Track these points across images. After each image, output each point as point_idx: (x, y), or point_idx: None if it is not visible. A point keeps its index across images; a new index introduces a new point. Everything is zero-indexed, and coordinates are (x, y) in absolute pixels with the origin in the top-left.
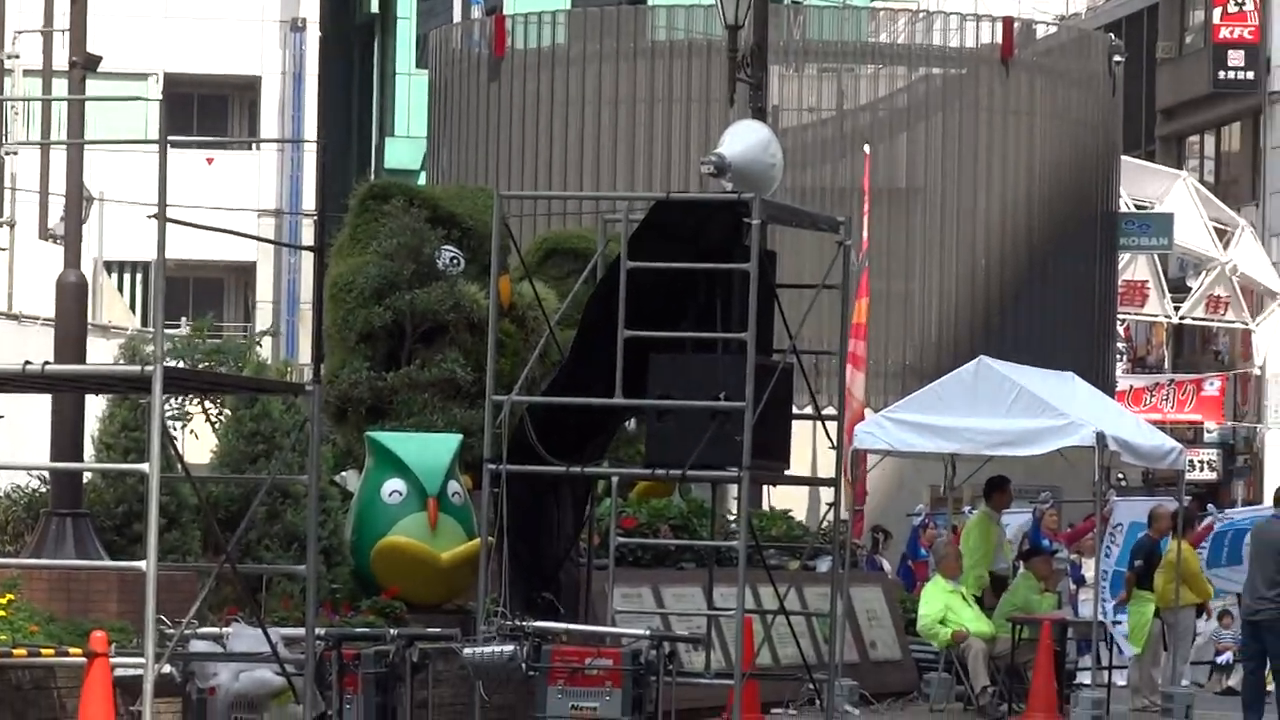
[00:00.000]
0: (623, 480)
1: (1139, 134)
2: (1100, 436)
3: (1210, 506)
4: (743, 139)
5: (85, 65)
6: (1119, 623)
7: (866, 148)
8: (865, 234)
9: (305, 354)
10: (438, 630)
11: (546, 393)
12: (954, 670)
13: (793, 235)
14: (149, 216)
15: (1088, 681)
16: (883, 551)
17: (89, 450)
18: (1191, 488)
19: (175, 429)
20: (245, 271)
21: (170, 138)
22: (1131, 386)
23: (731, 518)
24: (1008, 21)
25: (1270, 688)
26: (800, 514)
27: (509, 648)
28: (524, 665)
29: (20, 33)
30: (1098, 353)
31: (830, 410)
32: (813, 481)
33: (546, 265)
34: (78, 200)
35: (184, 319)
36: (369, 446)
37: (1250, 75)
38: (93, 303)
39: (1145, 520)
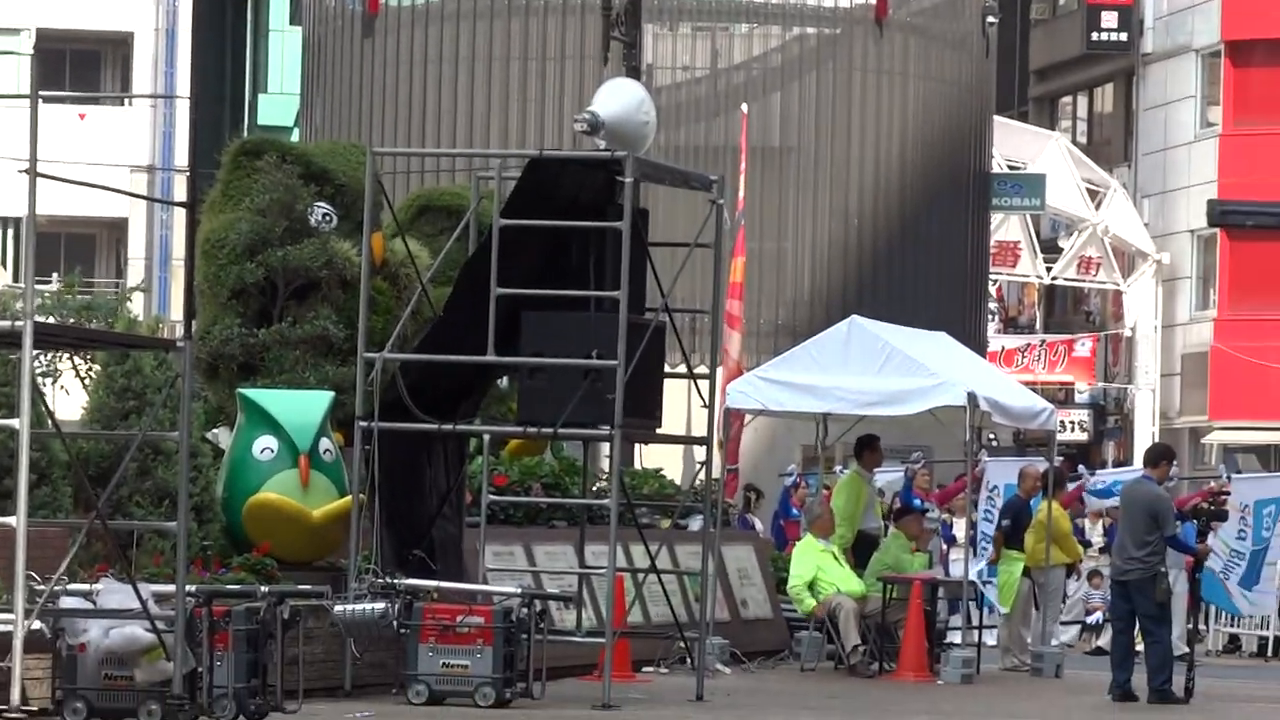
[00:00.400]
0: (494, 438)
1: (1012, 95)
2: (972, 396)
3: (1081, 467)
4: (616, 97)
5: None
6: (990, 582)
7: (744, 107)
8: (741, 193)
9: (177, 310)
10: (309, 587)
11: (419, 350)
12: (825, 629)
13: (666, 194)
14: (20, 171)
15: (958, 641)
16: (755, 510)
17: None
18: (1063, 448)
19: (45, 385)
20: (117, 227)
21: (42, 92)
22: (1003, 347)
23: (603, 476)
24: None
25: (1139, 647)
26: (674, 473)
27: (380, 605)
28: (395, 623)
29: None
30: (969, 313)
31: (703, 369)
32: (685, 440)
33: (419, 222)
34: None
35: (55, 275)
36: (240, 403)
37: (1123, 37)
38: None
39: (1013, 480)
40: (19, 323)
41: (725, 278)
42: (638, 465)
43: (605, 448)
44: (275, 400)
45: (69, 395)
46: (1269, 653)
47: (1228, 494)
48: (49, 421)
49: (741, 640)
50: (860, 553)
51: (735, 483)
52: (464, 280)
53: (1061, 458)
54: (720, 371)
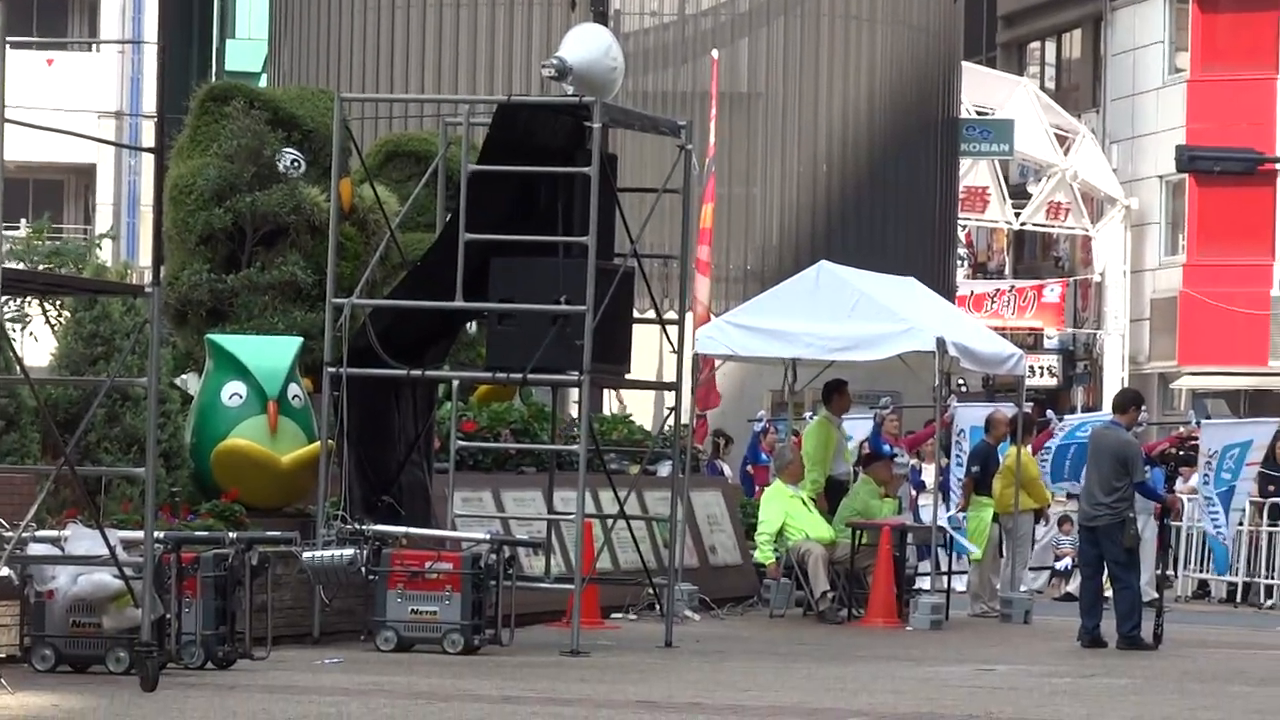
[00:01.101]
0: (463, 384)
1: (980, 40)
2: (940, 342)
3: (1050, 412)
4: (584, 43)
5: None
6: (959, 528)
7: (715, 53)
8: (712, 140)
9: (145, 256)
10: (277, 534)
11: (390, 297)
12: (794, 575)
13: (635, 140)
14: None
15: (927, 587)
16: (724, 456)
17: None
18: (1032, 393)
19: (14, 331)
20: (85, 173)
21: (9, 38)
22: (972, 292)
23: (574, 423)
24: None
25: (1108, 593)
26: (645, 419)
27: (349, 551)
28: (363, 569)
29: None
30: (938, 258)
31: (672, 315)
32: (654, 386)
33: (388, 168)
34: None
35: (23, 221)
36: (209, 349)
37: None
38: None
39: (981, 424)
40: None
41: (694, 223)
42: (607, 411)
43: (574, 393)
44: (244, 346)
45: (37, 342)
46: (1238, 598)
47: (1196, 439)
48: (17, 368)
49: (710, 587)
50: (829, 498)
51: (704, 428)
52: (445, 231)
53: (1030, 403)
54: (689, 317)
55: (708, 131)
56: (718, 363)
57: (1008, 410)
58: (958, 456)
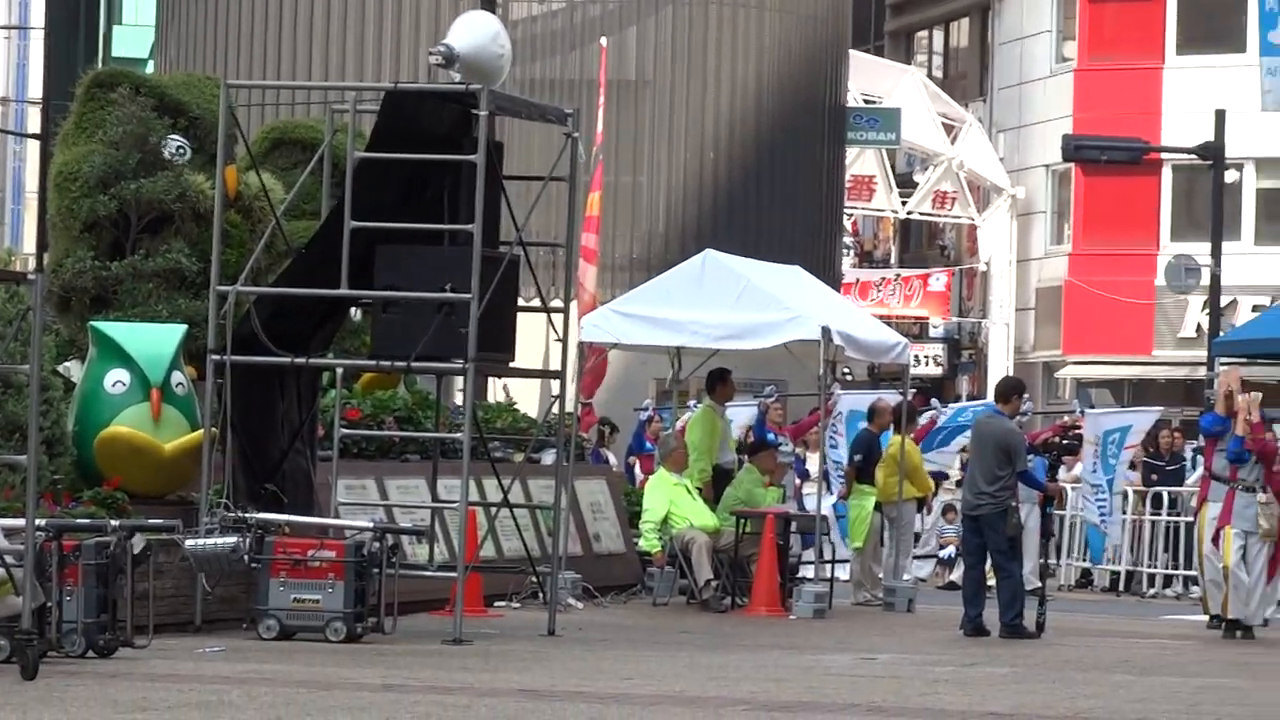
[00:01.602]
0: (348, 372)
1: (868, 28)
2: (825, 331)
3: (934, 401)
4: (471, 30)
5: None
6: (843, 516)
7: (603, 40)
8: (599, 127)
9: (29, 243)
10: (159, 521)
11: (275, 285)
12: (678, 564)
13: (523, 128)
14: None
15: (811, 575)
16: (608, 444)
17: None
18: (917, 382)
19: None
20: None
21: None
22: (858, 280)
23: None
24: None
25: (991, 582)
26: (530, 407)
27: (231, 539)
28: (246, 557)
29: None
30: (825, 247)
31: (558, 303)
32: (539, 374)
33: (273, 155)
34: None
35: None
36: (92, 336)
37: None
38: None
39: (863, 410)
40: None
41: (580, 211)
42: (491, 399)
43: (459, 381)
44: (127, 333)
45: None
46: (1120, 587)
47: (1080, 429)
48: None
49: (594, 575)
50: (714, 487)
51: (590, 417)
52: (331, 217)
53: (914, 391)
54: (575, 305)
55: (595, 119)
56: (605, 350)
57: (892, 399)
58: (831, 440)
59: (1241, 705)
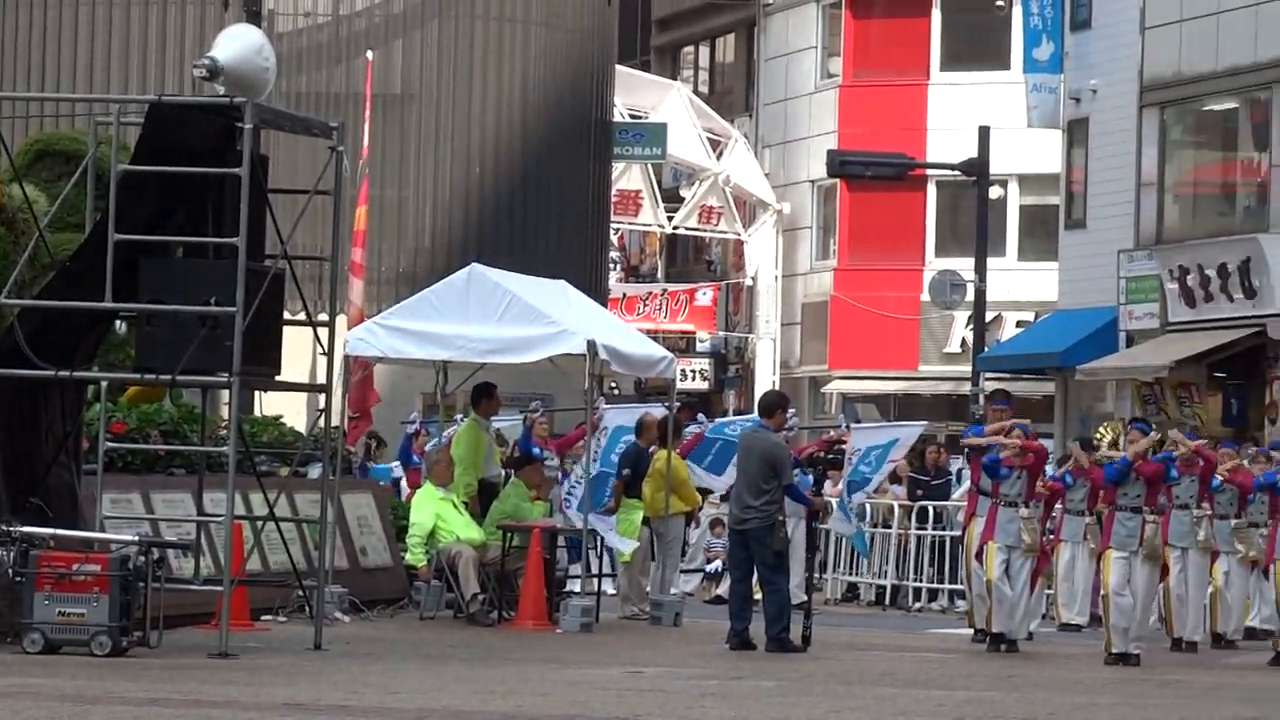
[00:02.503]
0: (113, 384)
1: (634, 44)
2: (591, 345)
3: (700, 416)
4: (236, 43)
5: None
6: (610, 530)
7: (369, 54)
8: (365, 141)
9: None
10: None
11: (39, 297)
12: (444, 578)
13: (289, 141)
14: None
15: (578, 589)
16: (375, 458)
17: None
18: (683, 397)
19: None
20: None
21: None
22: (625, 295)
23: (223, 424)
24: None
25: (758, 596)
26: (296, 421)
27: None
28: (10, 571)
29: None
30: (591, 261)
31: (324, 316)
32: (305, 388)
33: (37, 167)
34: None
35: None
36: None
37: None
38: None
39: (628, 424)
40: None
41: (346, 225)
42: (258, 412)
43: (225, 395)
44: None
45: None
46: (887, 601)
47: (844, 443)
48: None
49: (361, 588)
50: (481, 501)
51: (357, 431)
52: (95, 229)
53: (678, 404)
54: (342, 319)
55: (361, 133)
56: (370, 364)
57: (658, 413)
58: (597, 455)
59: (1004, 718)
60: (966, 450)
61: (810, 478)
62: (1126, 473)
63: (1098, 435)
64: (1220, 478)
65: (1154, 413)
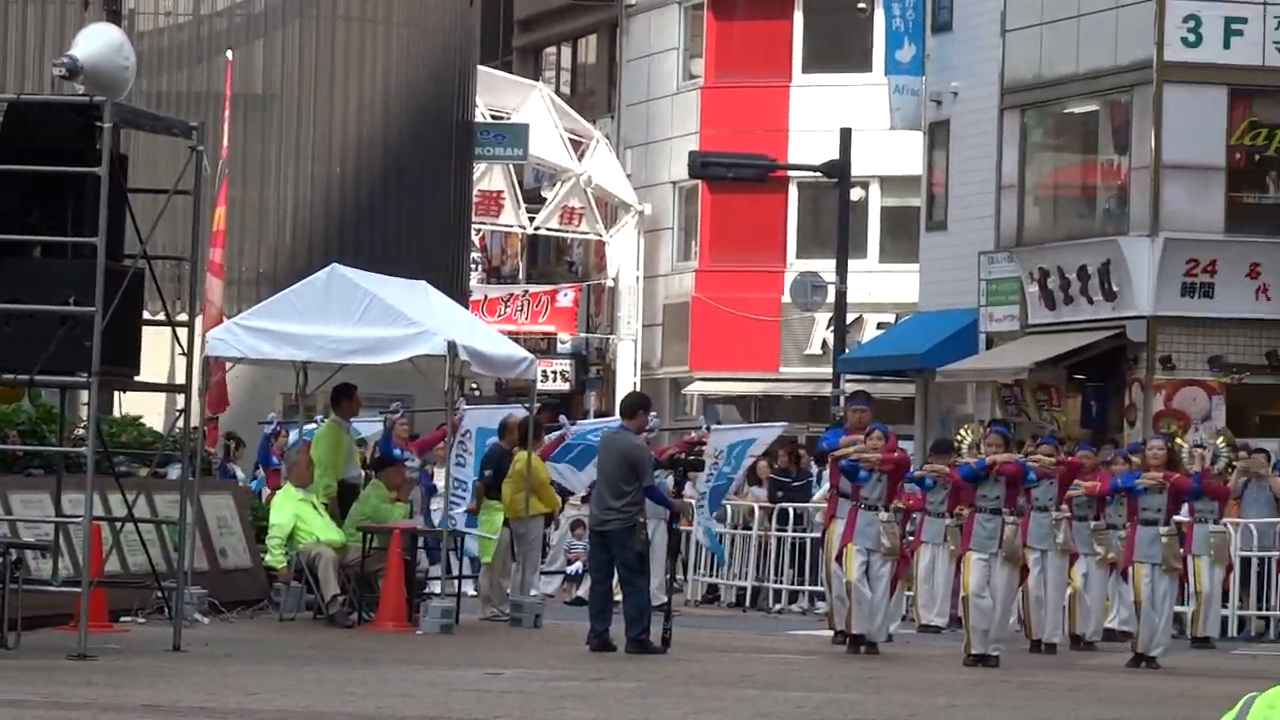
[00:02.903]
0: None
1: (496, 45)
2: (451, 346)
3: (562, 417)
4: (95, 41)
5: None
6: (470, 532)
7: (229, 54)
8: (225, 141)
9: None
10: None
11: None
12: (304, 579)
13: (148, 140)
14: None
15: (438, 591)
16: (235, 459)
17: None
18: (545, 398)
19: None
20: None
21: None
22: (486, 296)
23: (81, 424)
24: None
25: (618, 597)
26: (156, 421)
27: None
28: None
29: None
30: (452, 262)
31: (184, 316)
32: (164, 388)
33: None
34: None
35: None
36: None
37: None
38: None
39: (492, 426)
40: None
41: (206, 225)
42: (117, 413)
43: (84, 395)
44: None
45: None
46: (746, 603)
47: (704, 444)
48: None
49: (220, 590)
50: (341, 502)
51: (216, 431)
52: None
53: (539, 405)
54: (201, 319)
55: (221, 133)
56: (228, 365)
57: (520, 414)
58: (459, 458)
59: None
60: (822, 448)
61: (670, 479)
62: (981, 473)
63: (958, 437)
64: (1081, 487)
65: (1014, 414)
